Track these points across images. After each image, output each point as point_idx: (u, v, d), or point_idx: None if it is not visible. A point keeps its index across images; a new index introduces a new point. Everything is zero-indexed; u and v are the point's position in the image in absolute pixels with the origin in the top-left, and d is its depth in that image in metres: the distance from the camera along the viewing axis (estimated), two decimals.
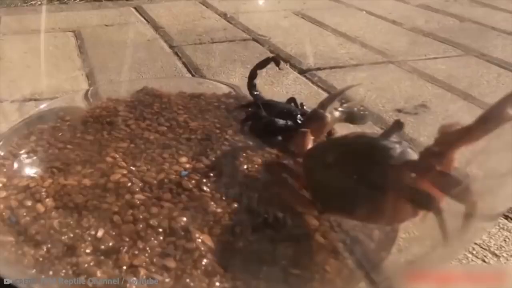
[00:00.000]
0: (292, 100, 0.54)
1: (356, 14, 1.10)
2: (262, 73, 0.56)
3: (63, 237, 0.37)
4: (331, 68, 0.77)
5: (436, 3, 1.15)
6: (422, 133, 0.56)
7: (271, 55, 0.75)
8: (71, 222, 0.38)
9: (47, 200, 0.40)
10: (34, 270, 0.34)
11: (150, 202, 0.40)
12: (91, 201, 0.40)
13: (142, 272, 0.34)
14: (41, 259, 0.35)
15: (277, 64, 0.55)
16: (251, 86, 0.56)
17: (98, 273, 0.34)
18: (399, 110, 0.62)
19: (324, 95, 0.68)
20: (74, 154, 0.47)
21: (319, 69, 0.76)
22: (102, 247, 0.36)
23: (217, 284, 0.34)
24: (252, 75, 0.56)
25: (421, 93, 0.68)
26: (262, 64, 0.56)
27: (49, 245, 0.36)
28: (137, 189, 0.41)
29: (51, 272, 0.34)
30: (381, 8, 1.10)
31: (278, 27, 0.99)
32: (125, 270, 0.34)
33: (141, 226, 0.38)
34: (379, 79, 0.73)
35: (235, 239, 0.37)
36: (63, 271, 0.34)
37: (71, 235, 0.37)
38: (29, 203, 0.40)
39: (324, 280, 0.34)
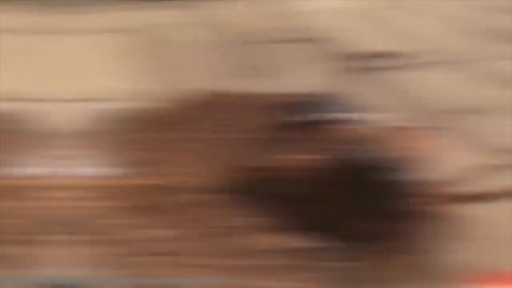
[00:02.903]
0: None
1: (418, 12, 1.07)
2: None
3: (122, 237, 0.39)
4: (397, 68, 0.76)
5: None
6: (488, 134, 0.55)
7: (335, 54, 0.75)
8: (132, 222, 0.40)
9: (110, 199, 0.43)
10: (93, 268, 0.36)
11: (210, 202, 0.42)
12: (153, 201, 0.42)
13: (199, 272, 0.35)
14: (99, 258, 0.37)
15: None
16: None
17: (157, 273, 0.35)
18: (460, 111, 0.61)
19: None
20: (137, 154, 0.49)
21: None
22: (163, 247, 0.37)
23: None
24: None
25: (485, 94, 0.66)
26: None
27: (108, 244, 0.38)
28: (198, 190, 0.43)
29: (109, 271, 0.36)
30: (451, 8, 1.07)
31: (344, 27, 0.99)
32: (184, 270, 0.35)
33: (202, 226, 0.39)
34: (437, 79, 0.72)
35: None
36: (122, 270, 0.36)
37: (131, 234, 0.39)
38: (90, 202, 0.42)
39: None
